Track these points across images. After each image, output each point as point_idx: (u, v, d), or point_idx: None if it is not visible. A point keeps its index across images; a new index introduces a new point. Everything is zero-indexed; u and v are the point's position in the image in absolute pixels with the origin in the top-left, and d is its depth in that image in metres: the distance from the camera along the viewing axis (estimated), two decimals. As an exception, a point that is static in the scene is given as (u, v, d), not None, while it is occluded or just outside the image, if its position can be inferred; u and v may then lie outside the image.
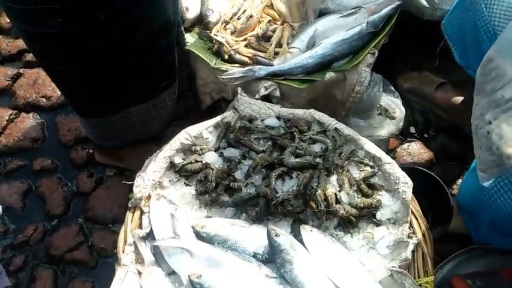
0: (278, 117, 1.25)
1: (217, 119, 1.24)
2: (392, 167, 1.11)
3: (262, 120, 1.25)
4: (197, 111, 1.58)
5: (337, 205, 1.05)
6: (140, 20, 1.13)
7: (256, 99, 1.31)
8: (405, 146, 1.60)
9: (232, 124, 1.23)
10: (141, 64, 1.23)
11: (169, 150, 1.17)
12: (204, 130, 1.22)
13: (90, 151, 1.61)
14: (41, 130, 1.69)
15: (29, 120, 1.71)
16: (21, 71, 1.82)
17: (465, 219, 1.26)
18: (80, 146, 1.63)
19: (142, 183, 1.11)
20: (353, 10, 1.42)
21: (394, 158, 1.57)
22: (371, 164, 1.14)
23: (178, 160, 1.18)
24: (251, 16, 1.46)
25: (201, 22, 1.45)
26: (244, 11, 1.49)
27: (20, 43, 1.86)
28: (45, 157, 1.63)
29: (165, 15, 1.21)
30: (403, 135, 1.62)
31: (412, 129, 1.65)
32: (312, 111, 1.25)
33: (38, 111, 1.73)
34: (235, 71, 1.35)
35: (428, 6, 1.43)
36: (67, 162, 1.62)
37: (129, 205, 1.11)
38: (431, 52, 1.51)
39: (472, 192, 1.16)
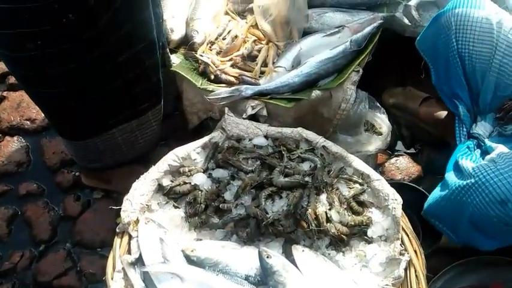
0: (266, 137, 1.25)
1: (205, 139, 1.24)
2: (381, 184, 1.12)
3: (250, 140, 1.25)
4: (184, 130, 1.58)
5: (328, 224, 1.05)
6: (124, 40, 1.14)
7: (244, 118, 1.31)
8: (393, 160, 1.61)
9: (220, 144, 1.23)
10: (125, 85, 1.23)
11: (156, 172, 1.16)
12: (191, 151, 1.21)
13: (77, 174, 1.59)
14: (26, 154, 1.67)
15: (14, 144, 1.69)
16: (4, 93, 1.80)
17: (438, 226, 1.25)
18: (66, 168, 1.61)
19: (130, 207, 1.10)
20: (336, 29, 1.44)
21: (382, 173, 1.59)
22: (360, 181, 1.14)
23: (166, 182, 1.17)
24: (236, 36, 1.48)
25: (187, 43, 1.46)
26: (229, 31, 1.50)
27: (3, 66, 1.84)
28: (30, 181, 1.61)
29: (148, 37, 1.21)
30: (391, 150, 1.64)
31: (399, 144, 1.67)
32: (300, 129, 1.25)
33: (22, 134, 1.71)
34: (221, 91, 1.35)
35: (409, 24, 1.46)
36: (53, 185, 1.60)
37: (117, 230, 1.09)
38: (415, 68, 1.54)
39: (447, 194, 1.16)
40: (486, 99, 1.25)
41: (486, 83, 1.23)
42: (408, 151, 1.66)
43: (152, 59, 1.25)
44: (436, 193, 1.17)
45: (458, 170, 1.16)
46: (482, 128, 1.26)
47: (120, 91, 1.24)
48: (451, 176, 1.14)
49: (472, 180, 1.03)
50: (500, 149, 1.11)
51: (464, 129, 1.31)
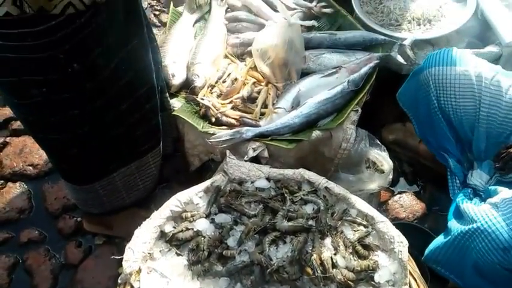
0: (268, 179, 1.25)
1: (207, 183, 1.24)
2: (385, 226, 1.10)
3: (252, 183, 1.24)
4: (186, 172, 1.58)
5: (334, 269, 1.02)
6: (125, 89, 1.16)
7: (245, 161, 1.32)
8: (396, 198, 1.60)
9: (222, 188, 1.22)
10: (126, 129, 1.25)
11: (159, 218, 1.15)
12: (194, 195, 1.21)
13: (78, 219, 1.57)
14: (28, 200, 1.66)
15: (16, 190, 1.68)
16: (7, 139, 1.82)
17: (441, 271, 1.22)
18: (68, 214, 1.60)
19: (132, 257, 1.08)
20: (334, 70, 1.47)
21: (386, 211, 1.57)
22: (364, 223, 1.13)
23: (168, 229, 1.15)
24: (236, 79, 1.50)
25: (188, 87, 1.49)
26: (229, 74, 1.53)
27: (7, 111, 1.87)
28: (32, 228, 1.59)
29: (149, 82, 1.24)
30: (394, 187, 1.63)
31: (402, 180, 1.67)
32: (302, 170, 1.25)
33: (25, 180, 1.71)
34: (222, 133, 1.36)
35: (405, 63, 1.49)
36: (55, 232, 1.58)
37: (119, 281, 1.07)
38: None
39: (450, 240, 1.14)
40: (480, 146, 1.25)
41: (477, 133, 1.24)
42: (411, 188, 1.65)
43: (152, 103, 1.27)
44: (439, 240, 1.15)
45: (460, 216, 1.15)
46: (478, 177, 1.25)
47: (121, 136, 1.25)
48: (453, 224, 1.13)
49: (475, 226, 1.02)
50: (503, 194, 1.09)
51: (457, 181, 1.31)
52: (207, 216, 1.17)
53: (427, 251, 1.18)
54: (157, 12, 2.33)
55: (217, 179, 1.25)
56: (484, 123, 1.23)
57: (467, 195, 1.23)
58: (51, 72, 1.01)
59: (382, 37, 1.55)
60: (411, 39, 1.52)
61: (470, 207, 1.07)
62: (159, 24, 2.28)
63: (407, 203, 1.58)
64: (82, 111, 1.12)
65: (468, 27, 1.59)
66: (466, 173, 1.31)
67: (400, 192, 1.63)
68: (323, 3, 1.66)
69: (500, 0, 1.63)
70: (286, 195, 1.19)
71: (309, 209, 1.17)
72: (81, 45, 0.99)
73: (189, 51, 1.56)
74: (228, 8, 1.72)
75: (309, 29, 1.66)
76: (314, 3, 1.66)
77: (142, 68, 1.20)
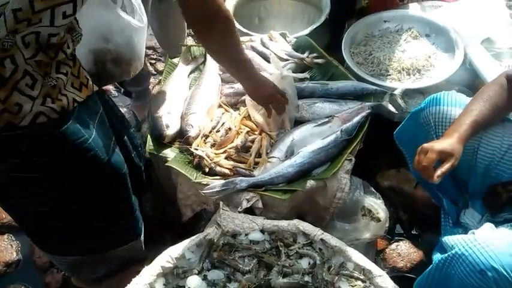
0: (262, 231, 1.23)
1: (200, 236, 1.21)
2: (384, 280, 1.07)
3: (246, 235, 1.22)
4: (178, 222, 1.55)
5: (331, 329, 0.98)
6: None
7: (239, 212, 1.30)
8: (393, 246, 1.57)
9: (215, 241, 1.20)
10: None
11: (149, 276, 1.12)
12: (186, 250, 1.18)
13: (66, 274, 1.52)
14: (16, 253, 1.61)
15: (4, 242, 1.64)
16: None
17: None
18: (56, 268, 1.55)
19: (120, 318, 1.03)
20: (327, 119, 1.49)
21: (384, 260, 1.54)
22: (362, 277, 1.10)
23: (159, 286, 1.11)
24: (230, 128, 1.51)
25: (182, 137, 1.49)
26: (223, 123, 1.54)
27: None
28: (19, 282, 1.54)
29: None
30: (390, 234, 1.61)
31: (398, 227, 1.64)
32: (296, 221, 1.23)
33: (13, 232, 1.67)
34: (216, 184, 1.35)
35: (396, 112, 1.51)
36: (42, 286, 1.52)
37: None
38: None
39: (432, 270, 1.12)
40: (476, 187, 1.26)
41: (474, 174, 1.25)
42: (408, 235, 1.62)
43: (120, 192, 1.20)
44: (425, 273, 1.13)
45: (442, 249, 1.15)
46: (470, 216, 1.25)
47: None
48: (436, 256, 1.12)
49: (453, 252, 1.02)
50: (484, 225, 1.11)
51: (450, 221, 1.30)
52: (199, 273, 1.14)
53: (414, 286, 1.15)
54: (153, 61, 2.39)
55: (210, 231, 1.22)
56: (481, 164, 1.24)
57: (456, 234, 1.22)
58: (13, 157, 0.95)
59: (373, 87, 1.58)
60: (401, 88, 1.55)
61: (451, 237, 1.07)
62: (155, 73, 2.32)
63: (405, 251, 1.55)
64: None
65: (457, 76, 1.63)
66: (460, 213, 1.30)
67: (397, 240, 1.60)
68: (315, 54, 1.71)
69: (487, 50, 1.69)
70: (281, 248, 1.17)
71: (304, 263, 1.14)
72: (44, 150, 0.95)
73: (184, 102, 1.58)
74: (222, 58, 1.76)
75: (302, 78, 1.70)
76: (306, 54, 1.71)
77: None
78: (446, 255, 1.04)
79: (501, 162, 1.22)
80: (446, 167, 1.10)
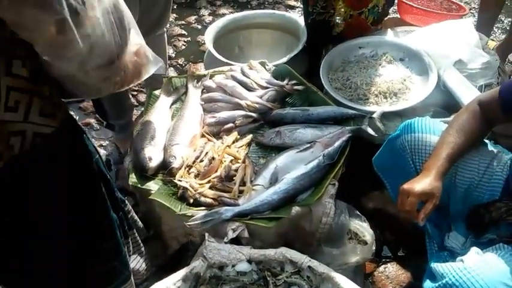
0: (249, 261, 1.22)
1: (186, 270, 1.19)
2: (372, 306, 1.07)
3: (233, 266, 1.21)
4: (164, 255, 1.52)
5: None
6: None
7: (225, 242, 1.29)
8: (382, 268, 1.57)
9: (202, 275, 1.18)
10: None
11: (135, 314, 1.09)
12: (171, 286, 1.16)
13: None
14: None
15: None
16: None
17: None
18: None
19: None
20: (309, 145, 1.51)
21: (373, 283, 1.54)
22: (350, 304, 1.09)
23: (146, 324, 1.09)
24: (213, 158, 1.52)
25: (165, 168, 1.49)
26: (206, 153, 1.54)
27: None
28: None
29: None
30: (378, 257, 1.61)
31: (386, 249, 1.65)
32: (283, 249, 1.23)
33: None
34: (201, 215, 1.34)
35: (376, 135, 1.55)
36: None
37: None
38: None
39: None
40: (457, 210, 1.28)
41: (453, 197, 1.27)
42: (395, 256, 1.62)
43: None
44: None
45: (432, 276, 1.15)
46: (454, 239, 1.26)
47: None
48: (427, 284, 1.13)
49: (444, 281, 1.02)
50: (471, 251, 1.12)
51: (435, 244, 1.32)
52: (186, 309, 1.11)
53: None
54: (135, 93, 2.40)
55: (196, 265, 1.20)
56: (461, 188, 1.26)
57: (443, 258, 1.22)
58: None
59: (352, 111, 1.62)
60: (379, 112, 1.59)
61: (440, 265, 1.07)
62: (137, 104, 2.33)
63: (393, 273, 1.55)
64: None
65: (432, 98, 1.68)
66: (443, 237, 1.32)
67: (384, 262, 1.60)
68: (294, 81, 1.75)
69: (459, 71, 1.76)
70: (268, 278, 1.16)
71: (293, 293, 1.13)
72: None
73: (166, 133, 1.58)
74: (203, 89, 1.78)
75: (283, 105, 1.72)
76: (286, 82, 1.74)
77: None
78: (437, 284, 1.05)
79: (480, 184, 1.25)
80: (429, 208, 1.13)
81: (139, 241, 1.30)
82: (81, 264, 1.04)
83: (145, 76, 0.98)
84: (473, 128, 1.21)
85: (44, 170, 0.86)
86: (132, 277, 1.23)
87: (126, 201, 1.27)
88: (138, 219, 1.37)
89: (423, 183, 1.14)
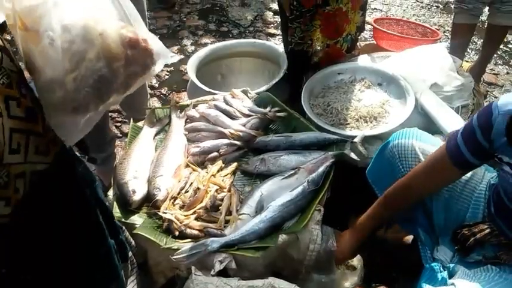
0: (237, 293, 1.19)
1: (173, 307, 1.16)
2: (363, 334, 1.05)
3: (221, 300, 1.18)
4: (151, 290, 1.49)
5: None
6: None
7: (212, 275, 1.27)
8: (372, 293, 1.56)
9: (189, 310, 1.15)
10: None
11: None
12: (158, 323, 1.12)
13: None
14: None
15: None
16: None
17: None
18: None
19: None
20: (293, 171, 1.52)
21: (363, 309, 1.52)
22: (341, 333, 1.08)
23: None
24: (198, 188, 1.51)
25: (149, 201, 1.47)
26: (191, 183, 1.53)
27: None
28: None
29: None
30: (368, 281, 1.59)
31: (375, 273, 1.64)
32: (271, 280, 1.21)
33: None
34: (187, 248, 1.32)
35: (358, 159, 1.57)
36: None
37: None
38: (373, 194, 1.61)
39: None
40: (439, 219, 1.31)
41: (436, 206, 1.30)
42: (385, 280, 1.61)
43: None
44: None
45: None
46: (443, 253, 1.28)
47: None
48: None
49: None
50: (460, 273, 1.13)
51: (429, 251, 1.33)
52: None
53: None
54: (118, 124, 2.39)
55: (183, 300, 1.18)
56: (441, 196, 1.29)
57: (436, 269, 1.22)
58: None
59: (334, 136, 1.64)
60: (361, 136, 1.61)
61: None
62: (121, 135, 2.32)
63: (384, 298, 1.54)
64: None
65: (411, 121, 1.72)
66: (434, 246, 1.34)
67: (374, 286, 1.59)
68: (276, 108, 1.77)
69: (436, 94, 1.81)
70: (257, 310, 1.14)
71: (282, 324, 1.11)
72: None
73: (150, 165, 1.57)
74: (187, 119, 1.79)
75: (266, 132, 1.74)
76: (268, 109, 1.77)
77: None
78: None
79: (462, 196, 1.28)
80: None
81: (135, 263, 1.30)
82: None
83: (154, 70, 0.94)
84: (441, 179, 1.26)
85: (41, 207, 0.85)
86: None
87: (123, 227, 1.25)
88: (133, 241, 1.35)
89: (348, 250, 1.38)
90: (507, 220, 1.17)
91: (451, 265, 1.21)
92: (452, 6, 2.71)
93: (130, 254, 1.27)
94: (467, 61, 2.78)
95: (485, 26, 2.56)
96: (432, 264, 1.26)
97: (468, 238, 1.20)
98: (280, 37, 3.12)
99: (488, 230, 1.19)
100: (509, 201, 1.12)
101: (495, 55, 2.87)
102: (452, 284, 1.10)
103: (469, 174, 1.29)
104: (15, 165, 0.77)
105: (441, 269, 1.24)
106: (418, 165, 1.27)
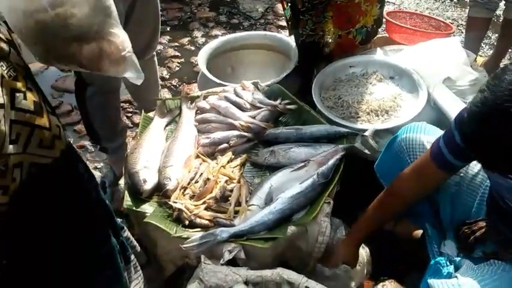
0: (246, 283, 1.21)
1: (182, 294, 1.18)
2: (370, 326, 1.06)
3: (229, 289, 1.19)
4: (160, 278, 1.50)
5: None
6: None
7: (221, 264, 1.28)
8: (379, 287, 1.56)
9: (198, 298, 1.17)
10: None
11: None
12: (168, 310, 1.14)
13: None
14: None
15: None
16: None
17: None
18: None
19: None
20: (303, 163, 1.51)
21: (371, 302, 1.52)
22: (348, 324, 1.08)
23: None
24: (208, 179, 1.52)
25: (160, 190, 1.48)
26: (201, 174, 1.54)
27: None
28: None
29: None
30: (375, 275, 1.60)
31: (384, 267, 1.64)
32: (280, 270, 1.22)
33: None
34: (196, 237, 1.33)
35: (368, 152, 1.56)
36: None
37: None
38: (382, 188, 1.60)
39: None
40: (446, 213, 1.31)
41: (443, 198, 1.30)
42: (393, 274, 1.61)
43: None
44: None
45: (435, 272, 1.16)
46: (449, 247, 1.28)
47: None
48: None
49: None
50: (465, 267, 1.14)
51: (435, 245, 1.33)
52: (183, 333, 1.10)
53: None
54: (129, 114, 2.41)
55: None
56: (448, 191, 1.28)
57: (442, 263, 1.23)
58: None
59: (345, 129, 1.63)
60: (372, 130, 1.60)
61: (435, 281, 1.08)
62: (132, 126, 2.34)
63: (391, 292, 1.54)
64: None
65: (423, 115, 1.70)
66: (441, 240, 1.34)
67: (382, 280, 1.59)
68: (287, 101, 1.77)
69: (449, 89, 1.79)
70: (265, 300, 1.15)
71: (290, 314, 1.12)
72: None
73: (161, 155, 1.58)
74: (197, 110, 1.80)
75: (276, 124, 1.74)
76: (278, 101, 1.77)
77: None
78: None
79: (467, 192, 1.28)
80: None
81: (139, 266, 1.29)
82: None
83: (112, 72, 0.98)
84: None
85: (40, 200, 0.87)
86: None
87: (125, 227, 1.26)
88: (137, 244, 1.36)
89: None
90: (502, 217, 1.16)
91: (457, 259, 1.22)
92: (467, 0, 2.67)
93: (133, 257, 1.26)
94: (481, 56, 2.74)
95: (501, 21, 2.52)
96: (438, 259, 1.26)
97: (468, 236, 1.20)
98: (291, 30, 3.10)
99: (486, 228, 1.19)
100: (500, 198, 1.12)
101: (510, 50, 2.82)
102: (456, 277, 1.10)
103: (475, 170, 1.28)
104: (13, 155, 0.79)
105: (447, 263, 1.24)
106: (405, 171, 1.28)
